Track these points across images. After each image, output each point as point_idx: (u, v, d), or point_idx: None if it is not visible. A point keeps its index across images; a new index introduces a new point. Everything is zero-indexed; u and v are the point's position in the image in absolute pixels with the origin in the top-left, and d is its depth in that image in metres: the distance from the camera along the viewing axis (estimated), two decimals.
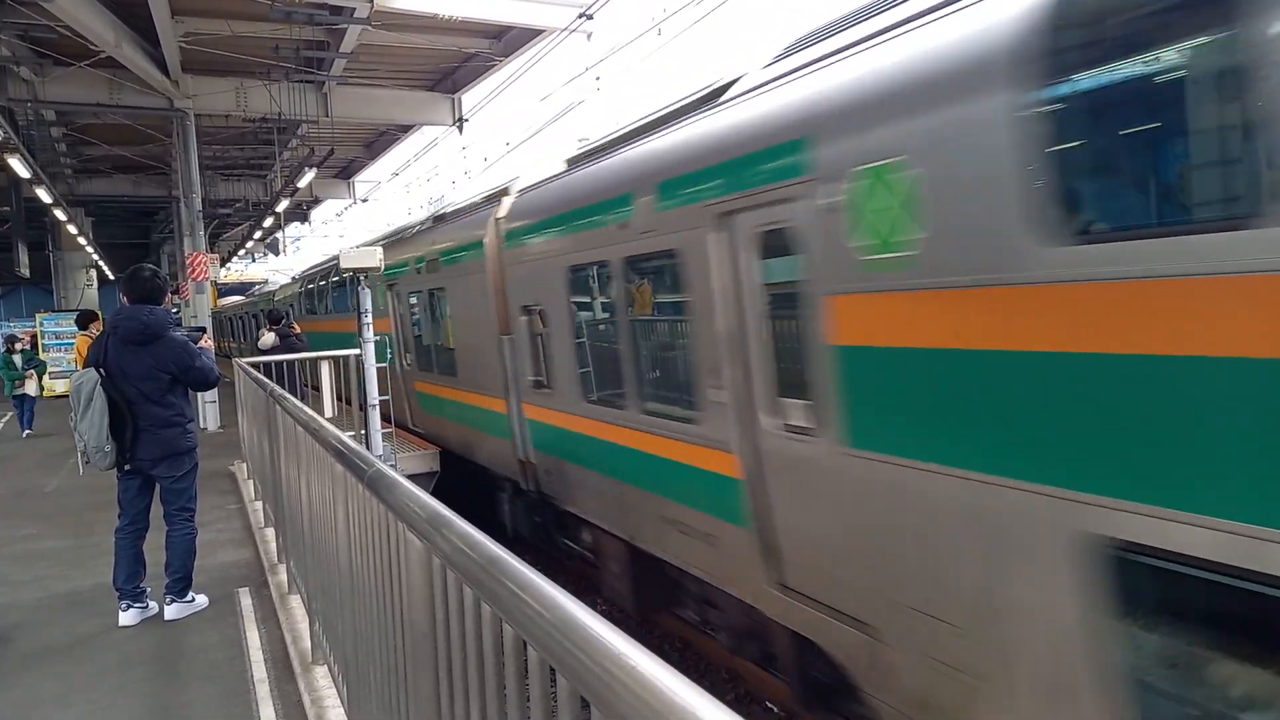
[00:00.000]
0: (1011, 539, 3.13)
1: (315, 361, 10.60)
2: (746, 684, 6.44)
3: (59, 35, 12.29)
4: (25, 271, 22.11)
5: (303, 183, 18.36)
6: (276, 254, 43.65)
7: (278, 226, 26.45)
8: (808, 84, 4.17)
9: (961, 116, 3.19)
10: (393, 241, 12.48)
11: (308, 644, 4.71)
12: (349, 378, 9.81)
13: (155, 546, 5.72)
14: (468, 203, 10.33)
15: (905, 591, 3.69)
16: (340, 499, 3.07)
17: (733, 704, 5.73)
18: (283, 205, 21.00)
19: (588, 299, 6.76)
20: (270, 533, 7.10)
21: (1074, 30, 2.92)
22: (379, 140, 23.48)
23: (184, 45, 13.53)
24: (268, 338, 12.79)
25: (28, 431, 15.74)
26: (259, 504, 8.24)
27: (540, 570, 1.23)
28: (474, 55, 15.78)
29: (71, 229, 22.95)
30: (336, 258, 14.34)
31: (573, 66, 13.96)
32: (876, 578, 3.86)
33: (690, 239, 4.94)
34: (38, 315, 25.92)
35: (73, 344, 16.99)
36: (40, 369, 17.78)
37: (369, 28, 12.87)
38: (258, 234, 28.82)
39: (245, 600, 5.89)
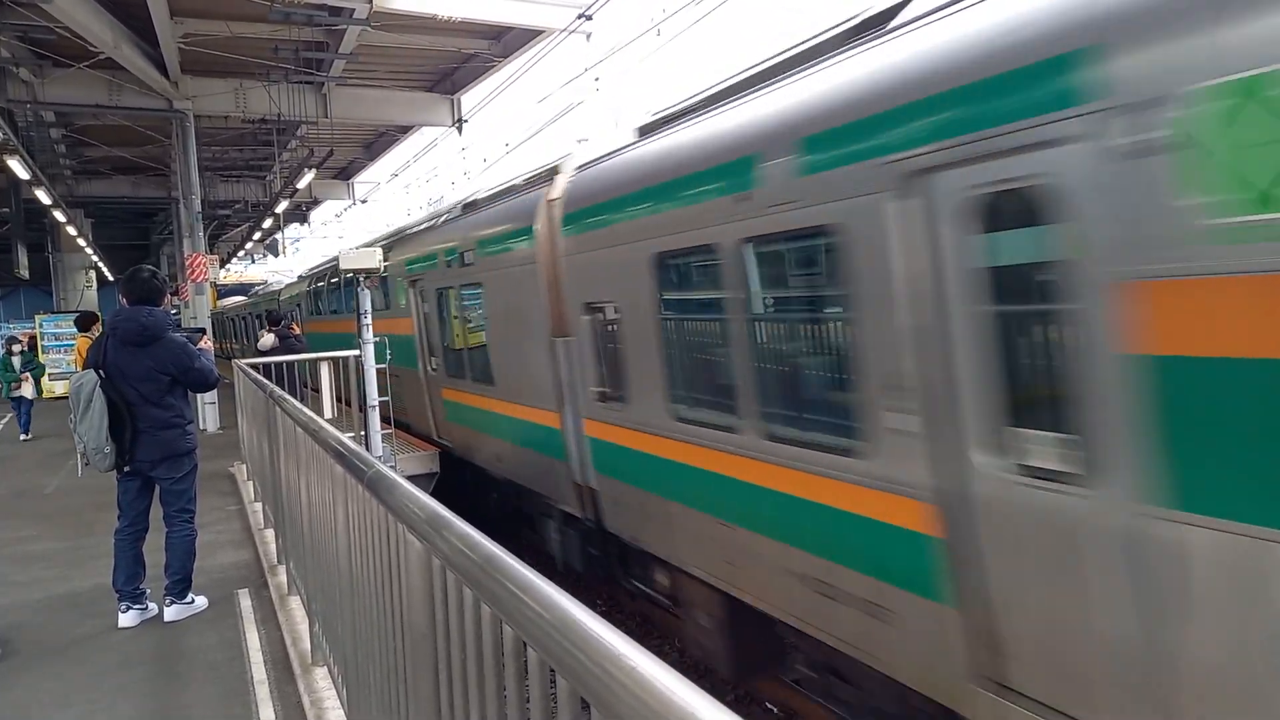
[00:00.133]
0: None
1: (315, 362, 10.58)
2: (746, 684, 6.45)
3: (58, 36, 12.27)
4: (25, 273, 22.18)
5: (302, 184, 18.38)
6: (276, 255, 43.73)
7: (277, 228, 26.55)
8: None
9: None
10: (413, 235, 11.66)
11: (307, 645, 4.70)
12: (351, 380, 9.81)
13: (155, 548, 5.72)
14: (506, 185, 9.18)
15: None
16: (340, 500, 3.07)
17: (733, 704, 5.69)
18: (282, 206, 21.02)
19: (685, 293, 5.62)
20: (270, 534, 7.10)
21: None
22: (378, 141, 23.50)
23: (183, 46, 13.54)
24: (267, 339, 12.81)
25: (24, 436, 15.65)
26: (259, 505, 8.23)
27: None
28: (473, 56, 15.79)
29: (71, 230, 22.95)
30: None
31: (572, 67, 14.00)
32: (1183, 697, 2.76)
33: (856, 209, 3.86)
34: (37, 317, 25.80)
35: (73, 345, 16.94)
36: (38, 371, 17.67)
37: (368, 28, 12.87)
38: (257, 235, 28.89)
39: (245, 601, 5.88)
